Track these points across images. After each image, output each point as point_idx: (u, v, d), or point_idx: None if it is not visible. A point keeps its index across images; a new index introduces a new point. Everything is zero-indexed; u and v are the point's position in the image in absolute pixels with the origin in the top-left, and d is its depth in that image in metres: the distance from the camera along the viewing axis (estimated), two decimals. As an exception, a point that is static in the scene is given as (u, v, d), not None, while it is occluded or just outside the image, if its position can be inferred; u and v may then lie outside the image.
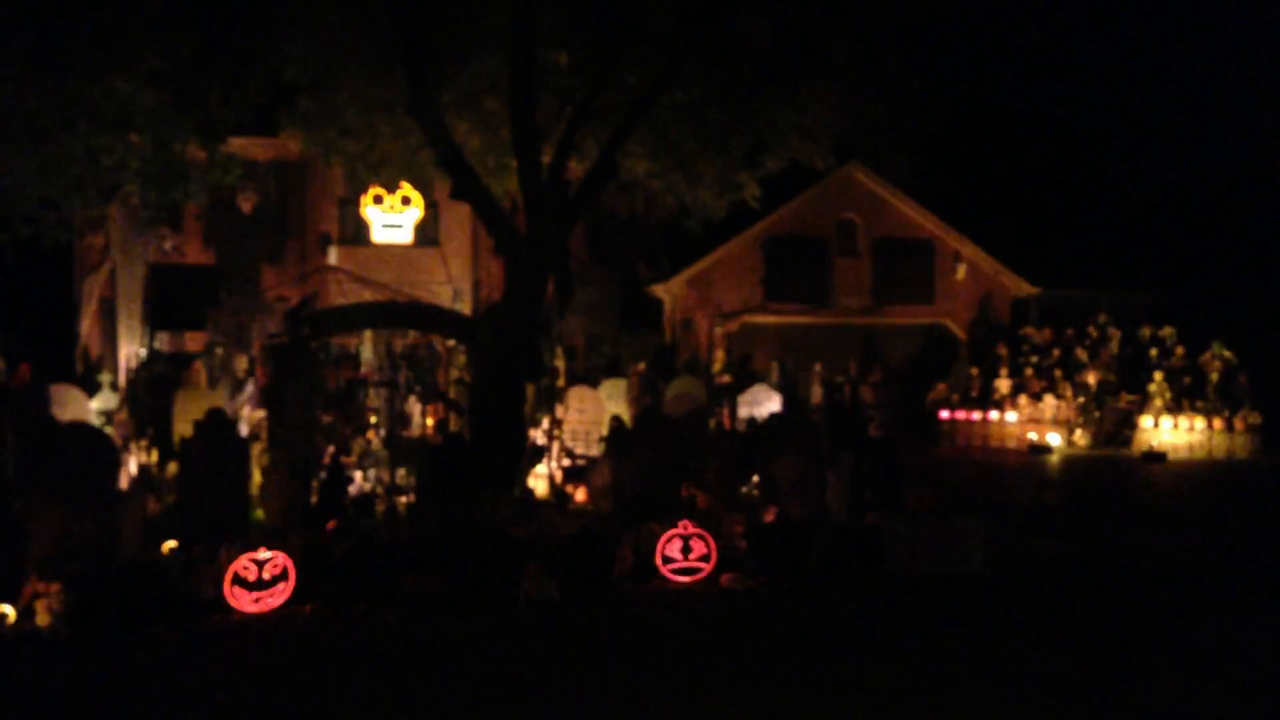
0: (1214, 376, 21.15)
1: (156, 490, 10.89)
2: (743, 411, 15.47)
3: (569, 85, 13.55)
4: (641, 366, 18.21)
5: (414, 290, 21.44)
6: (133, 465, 11.70)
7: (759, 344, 24.40)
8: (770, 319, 25.46)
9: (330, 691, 6.63)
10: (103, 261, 21.67)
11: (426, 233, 24.68)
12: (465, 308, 22.99)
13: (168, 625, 7.69)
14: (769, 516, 10.15)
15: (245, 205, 22.06)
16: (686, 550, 9.31)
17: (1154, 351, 22.31)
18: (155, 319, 20.60)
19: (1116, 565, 10.35)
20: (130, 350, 19.84)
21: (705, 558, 9.32)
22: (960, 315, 25.94)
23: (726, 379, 19.38)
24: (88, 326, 22.14)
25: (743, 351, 23.11)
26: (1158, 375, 21.09)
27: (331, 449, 11.74)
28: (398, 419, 13.59)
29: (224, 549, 8.54)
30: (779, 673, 6.96)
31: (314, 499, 10.80)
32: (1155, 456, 19.10)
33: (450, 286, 23.74)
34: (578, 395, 14.95)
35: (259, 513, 10.33)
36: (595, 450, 13.57)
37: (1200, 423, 20.11)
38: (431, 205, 24.12)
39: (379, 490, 11.48)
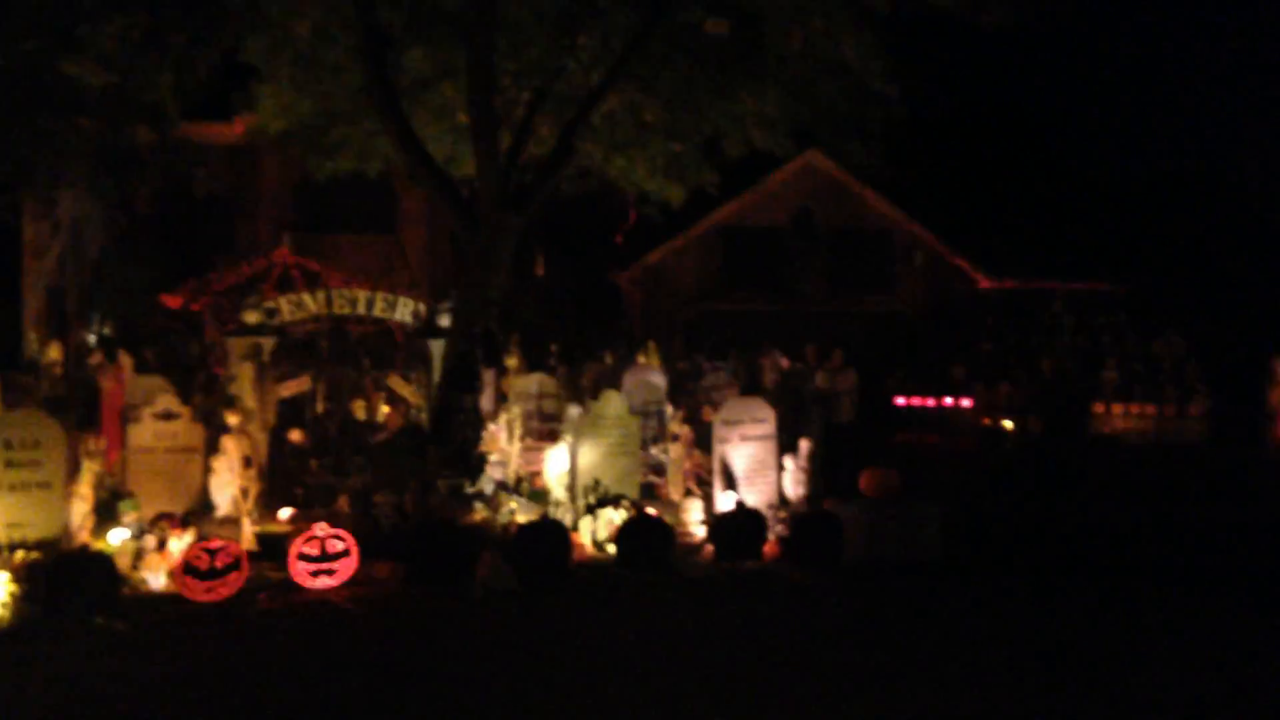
0: (1166, 365, 21.43)
1: (110, 479, 10.70)
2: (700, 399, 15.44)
3: (527, 71, 13.46)
4: (610, 359, 18.08)
5: (369, 278, 21.23)
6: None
7: (717, 332, 24.41)
8: (729, 306, 25.48)
9: (283, 681, 6.55)
10: (51, 246, 21.29)
11: (383, 220, 24.43)
12: (421, 295, 22.82)
13: (118, 615, 7.56)
14: (726, 504, 10.17)
15: (198, 191, 21.76)
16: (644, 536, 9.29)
17: (1107, 339, 22.58)
18: (105, 305, 20.28)
19: (1068, 550, 10.49)
20: (79, 336, 19.50)
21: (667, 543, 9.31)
22: (918, 304, 26.11)
23: (684, 366, 19.36)
24: (35, 312, 21.77)
25: (701, 339, 23.11)
26: (1110, 363, 21.34)
27: (288, 437, 11.61)
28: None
29: (175, 538, 8.43)
30: (744, 659, 6.97)
31: (268, 487, 10.66)
32: (1107, 442, 19.33)
33: (406, 274, 23.54)
34: (536, 382, 14.87)
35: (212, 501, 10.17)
36: (553, 437, 13.49)
37: (1151, 409, 20.36)
38: (389, 192, 23.87)
39: (334, 479, 11.35)
